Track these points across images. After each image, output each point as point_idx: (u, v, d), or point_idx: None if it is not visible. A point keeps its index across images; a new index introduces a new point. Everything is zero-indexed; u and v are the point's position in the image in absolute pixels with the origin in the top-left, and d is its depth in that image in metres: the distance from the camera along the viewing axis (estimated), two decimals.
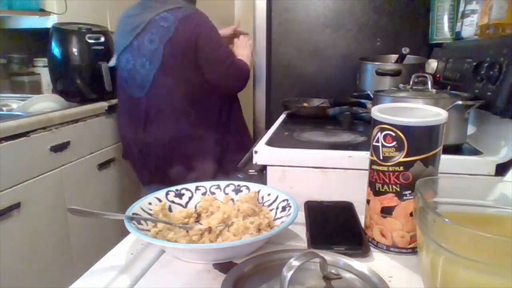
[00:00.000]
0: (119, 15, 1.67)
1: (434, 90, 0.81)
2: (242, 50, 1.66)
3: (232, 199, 0.64)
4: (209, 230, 0.55)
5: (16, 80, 2.04)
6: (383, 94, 0.84)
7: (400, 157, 0.49)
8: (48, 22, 1.95)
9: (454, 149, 0.76)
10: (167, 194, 0.63)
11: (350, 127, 1.08)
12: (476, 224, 0.42)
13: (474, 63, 0.84)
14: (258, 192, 0.63)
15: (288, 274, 0.38)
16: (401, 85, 0.90)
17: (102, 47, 1.87)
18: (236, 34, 1.73)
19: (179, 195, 0.64)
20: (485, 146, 0.79)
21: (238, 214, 0.58)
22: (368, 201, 0.55)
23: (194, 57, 1.47)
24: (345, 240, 0.54)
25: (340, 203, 0.66)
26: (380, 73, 1.11)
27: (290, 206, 0.57)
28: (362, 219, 0.58)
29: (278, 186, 0.75)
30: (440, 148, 0.49)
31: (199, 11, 1.55)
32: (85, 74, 1.83)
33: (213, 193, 0.65)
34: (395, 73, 1.10)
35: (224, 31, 1.81)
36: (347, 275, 0.45)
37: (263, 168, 0.79)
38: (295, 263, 0.39)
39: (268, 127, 1.22)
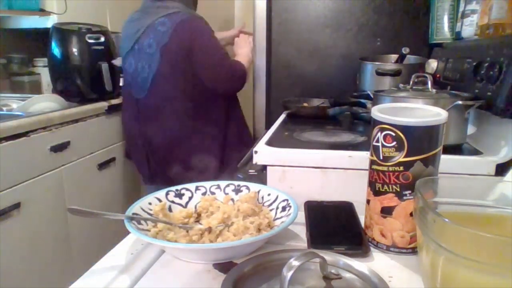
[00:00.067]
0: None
1: (434, 90, 0.81)
2: (241, 49, 1.68)
3: (232, 199, 0.64)
4: (209, 230, 0.55)
5: (16, 80, 2.04)
6: (383, 94, 0.84)
7: (400, 157, 0.49)
8: (48, 22, 1.95)
9: (454, 149, 0.76)
10: (167, 194, 0.63)
11: (350, 127, 1.08)
12: (476, 224, 0.42)
13: (474, 63, 0.84)
14: (258, 192, 0.63)
15: (288, 274, 0.38)
16: (401, 85, 0.90)
17: (102, 47, 1.87)
18: (238, 35, 1.76)
19: (179, 195, 0.64)
20: (485, 146, 0.79)
21: (238, 214, 0.58)
22: (368, 201, 0.55)
23: (190, 61, 1.50)
24: (345, 240, 0.54)
25: (340, 203, 0.66)
26: (380, 73, 1.11)
27: (290, 206, 0.57)
28: (362, 219, 0.58)
29: (278, 186, 0.75)
30: (440, 148, 0.49)
31: (196, 16, 1.58)
32: (85, 74, 1.83)
33: (213, 193, 0.65)
34: (395, 73, 1.09)
35: (229, 33, 1.84)
36: (347, 275, 0.45)
37: (263, 168, 0.79)
38: (295, 263, 0.39)
39: (268, 127, 1.22)
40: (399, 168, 0.49)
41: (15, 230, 1.36)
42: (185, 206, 0.63)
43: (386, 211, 0.52)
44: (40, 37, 1.99)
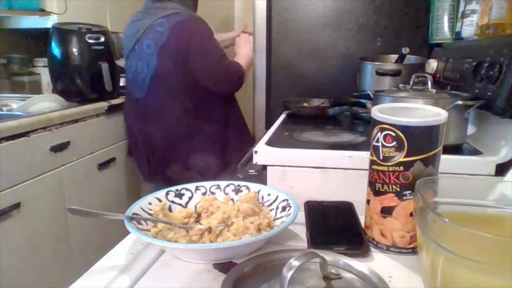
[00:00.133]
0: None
1: (434, 90, 0.81)
2: (241, 49, 1.71)
3: (232, 199, 0.64)
4: (209, 230, 0.55)
5: (16, 80, 2.04)
6: (383, 94, 0.84)
7: (400, 157, 0.49)
8: (48, 22, 1.95)
9: (454, 149, 0.76)
10: (167, 194, 0.63)
11: (350, 127, 1.08)
12: (476, 224, 0.42)
13: (474, 63, 0.84)
14: (258, 192, 0.63)
15: (288, 274, 0.38)
16: (401, 85, 0.90)
17: (102, 47, 1.87)
18: (239, 35, 1.77)
19: (179, 195, 0.64)
20: (485, 146, 0.79)
21: (238, 214, 0.58)
22: (368, 201, 0.55)
23: (187, 61, 1.53)
24: (345, 240, 0.54)
25: (340, 203, 0.66)
26: (380, 73, 1.11)
27: (290, 206, 0.57)
28: (362, 219, 0.58)
29: (278, 186, 0.75)
30: (440, 148, 0.49)
31: (195, 17, 1.61)
32: (85, 74, 1.83)
33: (213, 193, 0.65)
34: (395, 73, 1.09)
35: (230, 34, 1.87)
36: (347, 275, 0.45)
37: (263, 168, 0.79)
38: (295, 263, 0.39)
39: (268, 127, 1.22)
40: (399, 168, 0.49)
41: (15, 230, 1.36)
42: (185, 206, 0.63)
43: (386, 211, 0.52)
44: (40, 37, 1.99)
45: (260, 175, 0.80)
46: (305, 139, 0.92)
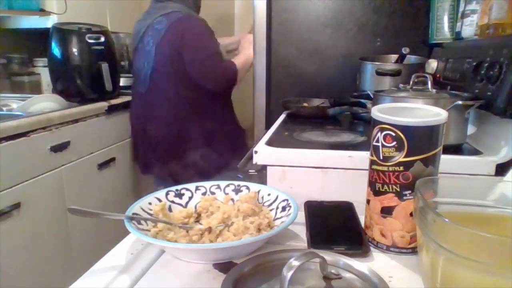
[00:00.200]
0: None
1: (434, 90, 0.81)
2: (245, 49, 1.74)
3: (232, 199, 0.64)
4: (209, 230, 0.55)
5: (16, 80, 2.04)
6: (383, 94, 0.84)
7: (400, 157, 0.49)
8: (48, 22, 1.95)
9: (454, 149, 0.76)
10: (167, 194, 0.63)
11: (350, 127, 1.08)
12: (476, 224, 0.42)
13: (474, 63, 0.84)
14: (258, 192, 0.63)
15: (288, 274, 0.38)
16: (401, 85, 0.90)
17: (102, 47, 1.87)
18: (244, 37, 1.81)
19: (179, 195, 0.64)
20: (485, 146, 0.79)
21: (238, 214, 0.58)
22: (368, 201, 0.55)
23: (181, 57, 1.60)
24: (345, 240, 0.54)
25: (340, 203, 0.66)
26: (380, 73, 1.11)
27: (290, 206, 0.57)
28: (362, 219, 0.58)
29: (278, 186, 0.75)
30: (440, 148, 0.49)
31: (193, 15, 1.67)
32: (85, 74, 1.83)
33: (213, 193, 0.65)
34: (395, 73, 1.09)
35: (236, 37, 1.93)
36: (347, 275, 0.45)
37: (263, 168, 0.79)
38: (295, 263, 0.39)
39: (268, 127, 1.22)
40: (399, 168, 0.49)
41: (15, 230, 1.36)
42: (185, 206, 0.63)
43: (386, 211, 0.52)
44: (40, 37, 2.00)
45: (260, 175, 0.80)
46: (305, 139, 0.92)
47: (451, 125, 0.74)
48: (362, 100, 1.02)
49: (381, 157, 0.50)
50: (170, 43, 1.61)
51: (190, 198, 0.64)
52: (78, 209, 0.52)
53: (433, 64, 1.10)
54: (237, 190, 0.65)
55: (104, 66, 1.86)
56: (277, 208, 0.60)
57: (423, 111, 0.54)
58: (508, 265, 0.33)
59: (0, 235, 1.30)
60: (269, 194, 0.63)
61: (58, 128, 1.57)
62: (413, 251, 0.51)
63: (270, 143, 0.84)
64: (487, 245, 0.34)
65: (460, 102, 0.74)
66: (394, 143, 0.49)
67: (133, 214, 0.55)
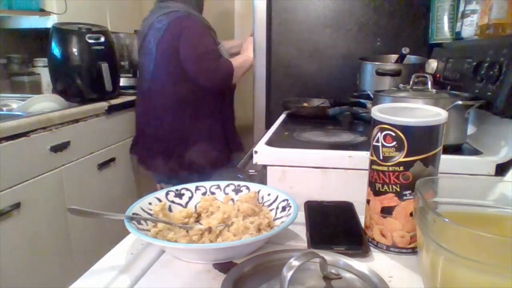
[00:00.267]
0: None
1: (434, 90, 0.81)
2: (246, 51, 1.78)
3: (232, 199, 0.64)
4: (209, 230, 0.55)
5: (16, 80, 2.04)
6: (383, 94, 0.84)
7: (400, 157, 0.49)
8: (48, 22, 1.95)
9: (454, 149, 0.76)
10: (167, 194, 0.63)
11: (350, 127, 1.08)
12: (476, 224, 0.42)
13: (474, 63, 0.84)
14: (258, 192, 0.63)
15: (288, 274, 0.38)
16: (401, 85, 0.90)
17: (102, 47, 1.87)
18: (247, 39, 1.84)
19: (179, 195, 0.64)
20: (485, 146, 0.79)
21: (238, 214, 0.58)
22: (368, 201, 0.55)
23: (178, 54, 1.65)
24: (345, 240, 0.54)
25: (340, 203, 0.66)
26: (380, 73, 1.11)
27: (290, 206, 0.57)
28: (362, 219, 0.58)
29: (278, 186, 0.75)
30: (440, 148, 0.49)
31: (191, 14, 1.71)
32: (85, 74, 1.83)
33: (213, 193, 0.65)
34: (395, 73, 1.09)
35: (239, 41, 1.97)
36: (347, 275, 0.45)
37: (263, 168, 0.79)
38: (295, 263, 0.39)
39: (268, 127, 1.22)
40: (399, 168, 0.49)
41: (15, 230, 1.36)
42: (185, 206, 0.63)
43: (386, 211, 0.52)
44: (40, 37, 2.00)
45: (260, 175, 0.80)
46: (305, 139, 0.92)
47: (451, 125, 0.74)
48: (362, 100, 1.02)
49: (381, 157, 0.50)
50: (168, 41, 1.66)
51: (190, 198, 0.64)
52: (78, 209, 0.52)
53: (433, 64, 1.10)
54: (237, 190, 0.65)
55: (104, 66, 1.86)
56: (277, 208, 0.60)
57: (423, 111, 0.54)
58: (508, 265, 0.33)
59: (0, 235, 1.30)
60: (269, 194, 0.63)
61: (58, 128, 1.57)
62: (413, 251, 0.51)
63: (270, 143, 0.84)
64: (487, 245, 0.34)
65: (460, 102, 0.74)
66: (394, 143, 0.49)
67: (133, 214, 0.55)
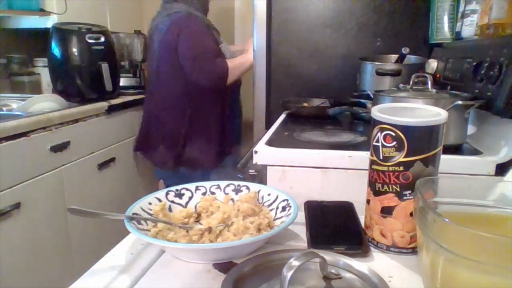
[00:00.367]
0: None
1: (434, 90, 0.81)
2: (247, 52, 1.79)
3: (232, 199, 0.64)
4: (209, 230, 0.55)
5: (16, 80, 2.04)
6: (383, 94, 0.83)
7: (400, 157, 0.49)
8: (48, 22, 1.95)
9: (454, 149, 0.76)
10: (167, 194, 0.63)
11: (350, 127, 1.08)
12: (476, 224, 0.42)
13: (474, 63, 0.84)
14: (258, 192, 0.63)
15: (288, 274, 0.38)
16: (401, 85, 0.90)
17: (102, 47, 1.87)
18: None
19: (179, 195, 0.64)
20: (485, 146, 0.79)
21: (238, 214, 0.58)
22: (368, 201, 0.55)
23: (177, 54, 1.70)
24: (345, 240, 0.54)
25: (340, 203, 0.66)
26: (380, 73, 1.11)
27: (290, 206, 0.57)
28: (362, 219, 0.58)
29: (278, 186, 0.75)
30: (440, 148, 0.49)
31: (192, 14, 1.75)
32: (85, 74, 1.83)
33: (213, 193, 0.65)
34: (395, 73, 1.09)
35: (242, 45, 1.97)
36: (347, 275, 0.45)
37: (263, 168, 0.79)
38: (295, 263, 0.39)
39: (268, 127, 1.22)
40: (399, 168, 0.49)
41: (15, 230, 1.36)
42: (185, 206, 0.63)
43: (386, 211, 0.52)
44: (40, 37, 2.00)
45: (260, 175, 0.80)
46: (305, 139, 0.92)
47: (451, 125, 0.74)
48: (362, 100, 1.02)
49: (381, 157, 0.50)
50: (169, 41, 1.69)
51: (190, 198, 0.64)
52: (78, 209, 0.52)
53: (433, 64, 1.10)
54: (237, 190, 0.65)
55: (104, 66, 1.86)
56: (277, 208, 0.60)
57: (423, 111, 0.54)
58: (508, 265, 0.33)
59: (0, 235, 1.30)
60: (269, 194, 0.63)
61: (58, 128, 1.57)
62: (413, 251, 0.51)
63: (270, 143, 0.84)
64: (487, 245, 0.34)
65: (460, 102, 0.74)
66: (394, 143, 0.49)
67: (133, 214, 0.55)
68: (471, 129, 0.87)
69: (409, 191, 0.49)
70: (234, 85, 1.85)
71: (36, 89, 2.04)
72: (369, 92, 0.95)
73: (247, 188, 0.65)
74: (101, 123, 1.85)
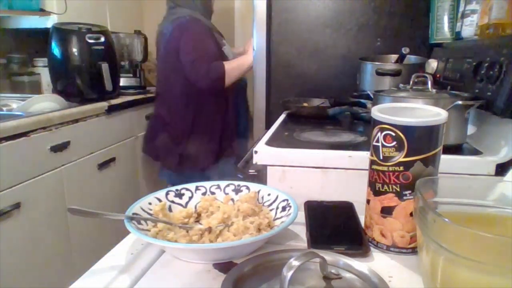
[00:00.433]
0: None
1: (434, 90, 0.81)
2: (247, 53, 1.80)
3: (232, 199, 0.64)
4: (209, 230, 0.55)
5: (16, 80, 2.04)
6: (383, 94, 0.83)
7: (400, 157, 0.49)
8: (48, 22, 1.95)
9: (454, 149, 0.76)
10: (167, 194, 0.63)
11: (350, 127, 1.08)
12: (476, 224, 0.42)
13: (474, 63, 0.84)
14: (258, 192, 0.63)
15: (288, 274, 0.38)
16: (401, 85, 0.90)
17: (102, 47, 1.87)
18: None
19: (179, 195, 0.64)
20: (485, 146, 0.79)
21: (238, 214, 0.58)
22: (368, 201, 0.55)
23: (178, 56, 1.73)
24: (345, 240, 0.54)
25: (340, 203, 0.66)
26: (380, 73, 1.11)
27: (290, 206, 0.57)
28: (362, 219, 0.58)
29: (278, 186, 0.75)
30: (440, 148, 0.49)
31: (195, 19, 1.78)
32: (85, 74, 1.83)
33: (213, 193, 0.65)
34: (395, 73, 1.09)
35: (242, 48, 1.99)
36: (347, 275, 0.45)
37: (263, 168, 0.79)
38: (295, 263, 0.39)
39: (268, 127, 1.22)
40: (399, 168, 0.49)
41: (15, 230, 1.36)
42: (185, 206, 0.63)
43: (386, 211, 0.52)
44: (40, 37, 2.00)
45: (260, 175, 0.80)
46: (305, 139, 0.92)
47: (451, 125, 0.74)
48: (362, 100, 1.02)
49: (381, 157, 0.50)
50: (172, 45, 1.73)
51: (190, 198, 0.64)
52: (78, 209, 0.52)
53: (433, 64, 1.10)
54: (237, 190, 0.65)
55: (104, 66, 1.86)
56: (277, 208, 0.60)
57: (423, 111, 0.54)
58: (508, 265, 0.33)
59: (0, 235, 1.30)
60: (269, 194, 0.63)
61: (58, 128, 1.57)
62: (413, 251, 0.51)
63: (270, 143, 0.84)
64: (487, 245, 0.34)
65: (460, 102, 0.74)
66: (394, 143, 0.49)
67: (133, 214, 0.55)
68: (471, 129, 0.87)
69: (409, 191, 0.49)
70: (237, 86, 1.85)
71: (36, 89, 2.04)
72: (369, 92, 0.95)
73: (247, 188, 0.65)
74: (101, 123, 1.85)
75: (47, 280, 1.50)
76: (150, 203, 0.60)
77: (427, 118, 0.48)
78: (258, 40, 1.44)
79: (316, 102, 1.32)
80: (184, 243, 0.53)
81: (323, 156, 0.77)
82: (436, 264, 0.38)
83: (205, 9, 1.85)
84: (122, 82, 2.19)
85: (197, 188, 0.66)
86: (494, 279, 0.35)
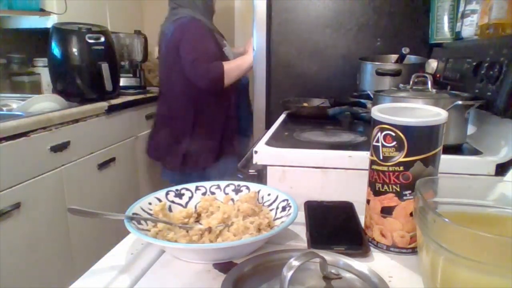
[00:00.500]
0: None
1: (434, 90, 0.81)
2: (247, 53, 1.81)
3: (232, 199, 0.64)
4: (209, 230, 0.55)
5: (16, 80, 2.04)
6: (383, 94, 0.84)
7: (400, 157, 0.49)
8: (48, 22, 1.96)
9: (454, 149, 0.76)
10: (167, 194, 0.63)
11: (350, 127, 1.08)
12: (476, 224, 0.42)
13: (474, 63, 0.84)
14: (258, 192, 0.63)
15: (288, 274, 0.38)
16: (401, 85, 0.90)
17: (102, 47, 1.87)
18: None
19: (179, 195, 0.64)
20: (485, 146, 0.79)
21: (238, 214, 0.58)
22: (368, 201, 0.55)
23: (179, 57, 1.75)
24: (345, 240, 0.54)
25: (340, 203, 0.66)
26: (380, 73, 1.11)
27: (290, 206, 0.57)
28: (362, 219, 0.58)
29: (278, 186, 0.75)
30: (440, 148, 0.49)
31: (195, 19, 1.79)
32: (85, 74, 1.83)
33: (213, 193, 0.65)
34: (395, 73, 1.09)
35: (243, 48, 1.99)
36: (347, 275, 0.45)
37: (263, 168, 0.79)
38: (295, 263, 0.39)
39: (268, 127, 1.22)
40: (399, 168, 0.49)
41: (15, 230, 1.36)
42: (185, 206, 0.63)
43: (386, 211, 0.52)
44: (40, 37, 2.00)
45: (260, 175, 0.80)
46: (305, 139, 0.92)
47: (451, 125, 0.74)
48: (362, 100, 1.02)
49: (381, 157, 0.50)
50: (172, 46, 1.74)
51: (190, 198, 0.64)
52: (78, 209, 0.52)
53: (433, 64, 1.10)
54: (237, 190, 0.65)
55: (104, 66, 1.86)
56: (277, 208, 0.60)
57: (423, 111, 0.54)
58: (508, 265, 0.33)
59: (0, 235, 1.30)
60: (269, 194, 0.63)
61: (58, 128, 1.57)
62: (413, 251, 0.51)
63: (270, 143, 0.84)
64: (487, 245, 0.34)
65: (460, 102, 0.74)
66: (394, 143, 0.49)
67: (133, 214, 0.55)
68: (471, 129, 0.87)
69: (409, 191, 0.49)
70: (240, 85, 1.86)
71: (36, 89, 2.04)
72: (369, 92, 0.95)
73: (247, 188, 0.65)
74: (101, 123, 1.85)
75: (47, 280, 1.50)
76: (150, 203, 0.60)
77: (427, 118, 0.48)
78: (258, 40, 1.44)
79: (316, 102, 1.32)
80: (184, 243, 0.53)
81: (323, 156, 0.77)
82: (436, 264, 0.38)
83: (206, 10, 1.86)
84: (122, 82, 2.19)
85: (197, 188, 0.66)
86: (494, 279, 0.35)
